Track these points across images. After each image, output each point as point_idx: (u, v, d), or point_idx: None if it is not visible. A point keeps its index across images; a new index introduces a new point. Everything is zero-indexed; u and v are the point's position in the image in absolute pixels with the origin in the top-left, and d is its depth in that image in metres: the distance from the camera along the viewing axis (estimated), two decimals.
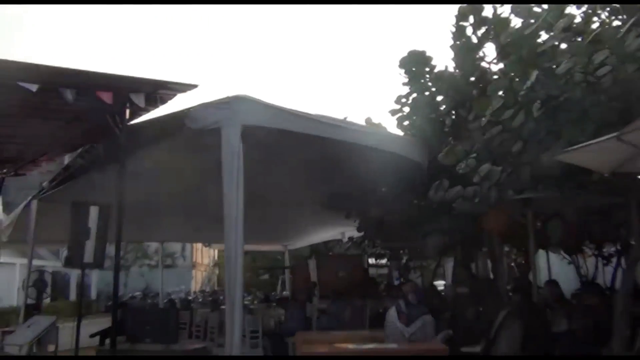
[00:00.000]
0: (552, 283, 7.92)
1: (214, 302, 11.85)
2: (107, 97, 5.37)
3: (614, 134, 3.97)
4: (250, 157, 5.44)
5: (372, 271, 17.27)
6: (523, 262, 11.63)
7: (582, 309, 7.15)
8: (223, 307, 7.40)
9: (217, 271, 38.73)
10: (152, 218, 10.41)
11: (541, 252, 11.51)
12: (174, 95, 5.77)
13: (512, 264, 14.65)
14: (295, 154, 7.11)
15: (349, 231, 13.86)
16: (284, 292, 18.95)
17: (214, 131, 5.20)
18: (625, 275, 5.89)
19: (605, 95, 4.90)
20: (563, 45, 5.42)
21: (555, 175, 6.16)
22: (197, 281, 38.95)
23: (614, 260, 10.77)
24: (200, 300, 19.72)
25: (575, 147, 4.44)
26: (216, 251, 33.80)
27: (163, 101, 5.78)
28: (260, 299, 18.67)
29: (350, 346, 5.85)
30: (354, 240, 14.55)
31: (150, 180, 7.55)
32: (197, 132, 5.28)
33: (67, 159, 7.73)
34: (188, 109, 5.22)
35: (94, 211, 5.33)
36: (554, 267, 11.96)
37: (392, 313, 5.62)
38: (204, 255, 40.34)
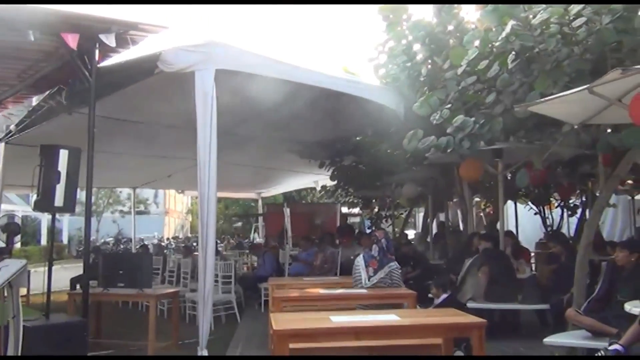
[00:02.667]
0: (509, 233, 8.15)
1: (187, 248, 11.89)
2: (72, 38, 5.20)
3: (586, 86, 4.01)
4: (224, 102, 5.38)
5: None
6: (492, 212, 11.89)
7: (546, 257, 7.41)
8: (196, 253, 7.45)
9: (190, 218, 38.77)
10: (124, 163, 10.30)
11: (510, 203, 11.79)
12: (145, 36, 5.61)
13: (482, 214, 15.00)
14: (268, 101, 7.04)
15: (322, 180, 13.94)
16: (257, 239, 19.14)
17: (187, 75, 5.11)
18: (587, 225, 6.08)
19: (579, 47, 4.92)
20: None
21: (527, 126, 6.25)
22: (170, 228, 38.97)
23: (579, 211, 11.13)
24: (173, 246, 19.79)
25: (547, 98, 4.48)
26: (190, 198, 33.76)
27: (134, 42, 5.62)
28: (233, 246, 18.83)
29: (321, 291, 5.99)
30: (327, 189, 14.66)
31: (121, 125, 7.42)
32: (170, 75, 5.18)
33: (35, 101, 7.51)
34: (160, 52, 5.10)
35: (63, 155, 5.20)
36: (522, 217, 12.27)
37: (359, 260, 5.73)
38: (177, 202, 40.23)
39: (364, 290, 5.57)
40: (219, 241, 19.91)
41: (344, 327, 3.65)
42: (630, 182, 10.25)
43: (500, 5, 4.94)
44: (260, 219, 19.34)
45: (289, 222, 11.74)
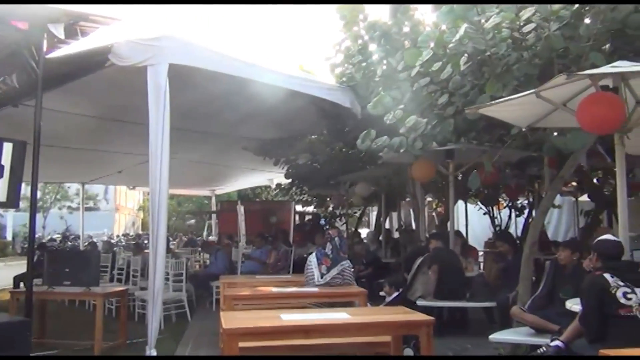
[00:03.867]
0: (458, 233, 8.33)
1: (138, 245, 11.65)
2: (22, 25, 5.02)
3: (533, 90, 4.13)
4: (177, 97, 5.30)
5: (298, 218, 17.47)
6: (443, 211, 12.13)
7: (494, 256, 7.61)
8: (147, 250, 7.31)
9: (142, 215, 38.04)
10: (72, 158, 10.01)
11: (460, 203, 12.04)
12: (96, 27, 5.45)
13: (434, 214, 15.29)
14: (223, 97, 6.98)
15: (277, 178, 13.91)
16: (210, 237, 18.95)
17: (139, 68, 5.01)
18: (533, 225, 6.27)
19: (528, 52, 5.06)
20: None
21: (478, 128, 6.39)
22: (121, 225, 38.14)
23: (526, 211, 11.48)
24: (123, 243, 19.37)
25: (496, 101, 4.59)
26: (142, 194, 33.11)
27: (84, 34, 5.46)
28: (185, 243, 18.58)
29: (273, 289, 5.97)
30: (282, 187, 14.64)
31: (70, 118, 7.21)
32: (122, 68, 5.06)
33: None
34: (112, 44, 4.98)
35: (7, 148, 5.02)
36: (472, 217, 12.55)
37: (312, 258, 5.75)
38: (129, 198, 39.40)
39: (316, 289, 5.59)
40: (170, 239, 19.62)
41: (294, 325, 3.65)
42: (574, 184, 10.63)
43: (455, 7, 5.02)
44: (214, 216, 19.15)
45: (243, 219, 11.70)
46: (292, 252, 9.56)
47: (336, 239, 5.62)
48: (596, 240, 4.05)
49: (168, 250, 9.31)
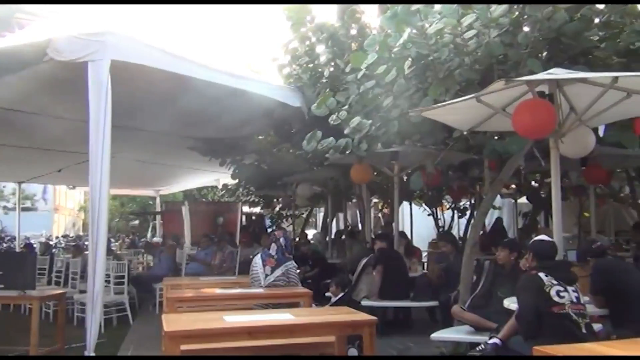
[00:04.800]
0: (402, 234, 8.48)
1: (77, 247, 11.26)
2: None
3: (473, 95, 4.25)
4: (120, 95, 5.16)
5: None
6: (388, 212, 12.31)
7: (436, 256, 7.77)
8: (87, 252, 7.08)
9: (82, 216, 36.87)
10: (7, 156, 9.59)
11: (405, 204, 12.25)
12: (33, 20, 5.25)
13: (380, 215, 15.49)
14: (167, 96, 6.84)
15: (224, 178, 13.75)
16: (155, 238, 18.55)
17: (80, 64, 4.85)
18: (473, 226, 6.45)
19: (469, 57, 5.20)
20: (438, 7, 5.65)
21: (422, 131, 6.52)
22: (61, 226, 36.81)
23: (469, 212, 11.79)
24: (62, 245, 18.71)
25: (439, 104, 4.70)
26: (83, 194, 32.08)
27: (20, 26, 5.25)
28: (128, 245, 18.12)
29: (217, 290, 5.90)
30: (228, 188, 14.50)
31: (4, 114, 6.90)
32: (61, 63, 4.88)
33: None
34: (51, 39, 4.80)
35: None
36: (416, 218, 12.78)
37: (257, 259, 5.72)
38: (69, 198, 38.08)
39: (261, 290, 5.56)
40: (113, 240, 19.11)
41: (237, 327, 3.61)
42: (513, 186, 11.01)
43: (398, 12, 5.10)
44: (159, 217, 18.75)
45: (188, 220, 11.51)
46: (238, 253, 9.47)
47: (281, 239, 5.60)
48: (532, 240, 4.20)
49: (109, 251, 9.06)
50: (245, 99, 7.11)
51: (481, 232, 11.02)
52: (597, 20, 5.56)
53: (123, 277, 8.11)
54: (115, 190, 19.01)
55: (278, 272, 5.50)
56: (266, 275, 5.55)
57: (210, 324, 3.72)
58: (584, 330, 3.57)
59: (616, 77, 3.77)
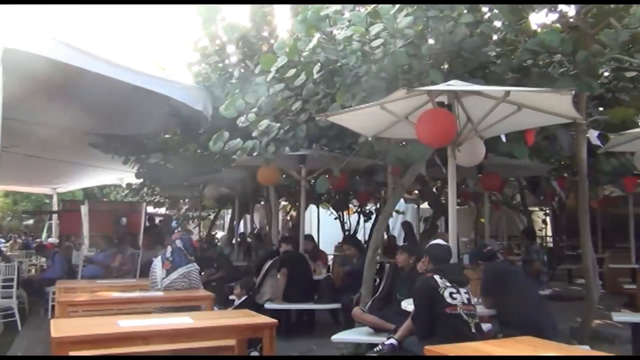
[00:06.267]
0: (308, 237, 8.56)
1: None
2: None
3: (378, 102, 4.36)
4: (13, 85, 4.83)
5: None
6: (295, 215, 12.38)
7: (340, 259, 7.90)
8: None
9: None
10: None
11: (313, 207, 12.38)
12: None
13: (288, 217, 15.54)
14: (66, 89, 6.49)
15: (128, 177, 13.23)
16: (50, 239, 17.50)
17: None
18: (376, 230, 6.62)
19: (376, 65, 5.33)
20: (348, 14, 5.74)
21: (329, 135, 6.61)
22: None
23: (374, 216, 12.11)
24: None
25: (345, 110, 4.79)
26: None
27: None
28: (20, 246, 16.98)
29: (114, 294, 5.66)
30: (132, 187, 13.98)
31: None
32: None
33: None
34: None
35: None
36: (323, 221, 12.95)
37: (157, 262, 5.54)
38: None
39: (160, 293, 5.39)
40: (3, 240, 17.86)
41: (131, 331, 3.47)
42: (416, 192, 11.41)
43: (308, 17, 5.14)
44: (55, 216, 17.71)
45: (87, 220, 10.95)
46: (140, 256, 9.14)
47: (177, 241, 5.45)
48: (428, 244, 4.37)
49: None
50: (151, 96, 6.89)
51: (386, 236, 11.39)
52: (495, 37, 5.90)
53: (12, 280, 7.58)
54: (7, 186, 17.77)
55: (173, 275, 5.35)
56: (160, 279, 5.39)
57: (102, 329, 3.55)
58: (473, 330, 3.76)
59: (508, 92, 4.01)
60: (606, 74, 7.28)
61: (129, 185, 14.09)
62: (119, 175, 13.77)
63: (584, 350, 3.76)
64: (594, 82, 5.46)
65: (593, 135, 6.21)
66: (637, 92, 7.41)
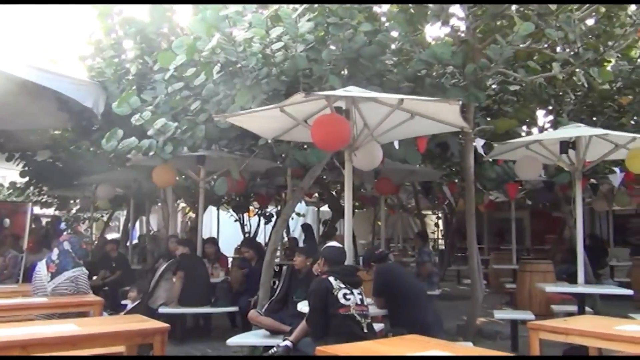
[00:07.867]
0: (211, 240, 8.45)
1: None
2: None
3: (277, 105, 4.38)
4: None
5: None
6: (194, 217, 12.13)
7: (238, 262, 7.85)
8: None
9: None
10: None
11: (213, 209, 12.19)
12: None
13: (187, 219, 15.18)
14: None
15: (11, 175, 12.33)
16: None
17: None
18: (275, 232, 6.64)
19: (277, 68, 5.35)
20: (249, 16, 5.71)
21: (229, 136, 6.53)
22: None
23: (274, 219, 12.13)
24: None
25: (244, 111, 4.76)
26: None
27: None
28: None
29: None
30: (17, 186, 13.03)
31: None
32: None
33: None
34: None
35: None
36: (223, 223, 12.80)
37: (41, 266, 5.21)
38: None
39: (45, 299, 5.06)
40: None
41: (7, 340, 3.22)
42: (316, 195, 11.59)
43: (207, 16, 5.05)
44: None
45: None
46: (24, 259, 8.55)
47: (65, 243, 5.15)
48: (324, 247, 4.45)
49: None
50: (39, 90, 6.49)
51: (286, 238, 11.45)
52: (393, 47, 6.13)
53: None
54: None
55: (60, 277, 5.04)
56: (45, 283, 5.07)
57: None
58: (365, 330, 3.86)
59: (402, 99, 4.17)
60: (493, 86, 7.81)
61: (12, 184, 13.12)
62: (1, 174, 12.84)
63: (466, 347, 3.97)
64: (481, 94, 5.83)
65: (479, 143, 6.62)
66: (520, 104, 8.02)
